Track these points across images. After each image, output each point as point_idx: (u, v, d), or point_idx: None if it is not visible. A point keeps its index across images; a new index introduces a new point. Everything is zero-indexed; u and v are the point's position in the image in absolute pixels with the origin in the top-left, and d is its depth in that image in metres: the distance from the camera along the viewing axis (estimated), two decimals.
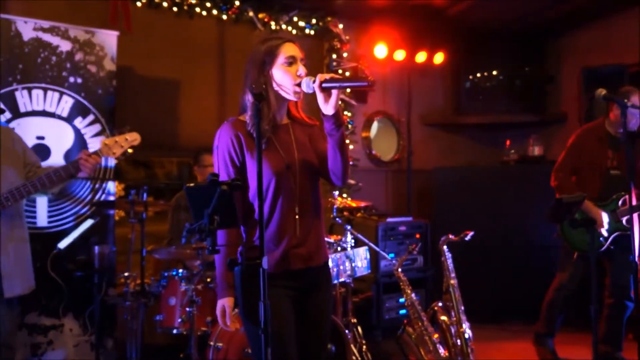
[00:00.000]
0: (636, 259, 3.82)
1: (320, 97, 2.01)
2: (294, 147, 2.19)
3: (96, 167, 2.95)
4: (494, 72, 6.15)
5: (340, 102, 5.44)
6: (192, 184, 1.81)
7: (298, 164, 2.16)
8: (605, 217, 3.83)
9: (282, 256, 2.12)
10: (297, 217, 2.14)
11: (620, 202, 3.85)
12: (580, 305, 4.67)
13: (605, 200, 3.89)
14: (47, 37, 3.87)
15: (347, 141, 5.47)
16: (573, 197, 3.27)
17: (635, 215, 3.77)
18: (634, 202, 3.77)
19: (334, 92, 1.99)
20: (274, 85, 2.14)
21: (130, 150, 3.04)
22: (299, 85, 2.08)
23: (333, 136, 2.09)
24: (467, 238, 3.56)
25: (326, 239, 3.74)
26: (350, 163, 5.47)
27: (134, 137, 3.01)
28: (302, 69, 2.12)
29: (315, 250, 2.20)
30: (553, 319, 4.19)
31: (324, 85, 1.98)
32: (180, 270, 3.58)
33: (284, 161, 2.13)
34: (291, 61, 2.12)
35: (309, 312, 2.21)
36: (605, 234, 3.84)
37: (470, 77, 6.20)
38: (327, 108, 2.02)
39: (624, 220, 3.79)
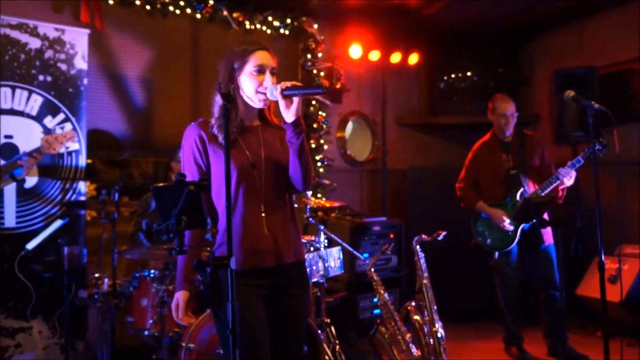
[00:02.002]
0: (546, 245, 4.10)
1: (282, 104, 2.03)
2: (261, 146, 2.18)
3: (33, 165, 3.13)
4: (468, 73, 6.21)
5: (314, 102, 5.50)
6: (159, 184, 1.79)
7: (264, 162, 2.16)
8: (500, 213, 4.10)
9: (249, 254, 2.10)
10: (263, 214, 2.14)
11: (518, 196, 4.10)
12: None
13: (504, 199, 4.18)
14: (15, 34, 3.80)
15: (322, 140, 5.52)
16: (542, 198, 3.33)
17: None
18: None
19: (295, 99, 2.02)
20: (241, 91, 2.15)
21: (67, 146, 3.42)
22: (264, 93, 2.10)
23: (293, 144, 2.11)
24: (440, 238, 3.58)
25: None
26: (325, 163, 5.54)
27: (71, 135, 3.23)
28: (268, 80, 2.12)
29: (284, 248, 2.18)
30: (508, 323, 4.32)
31: (284, 92, 2.01)
32: (152, 271, 3.54)
33: (248, 159, 2.14)
34: (259, 70, 2.13)
35: (283, 312, 2.19)
36: (510, 227, 4.07)
37: (445, 77, 6.25)
38: (288, 115, 2.05)
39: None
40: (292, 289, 2.22)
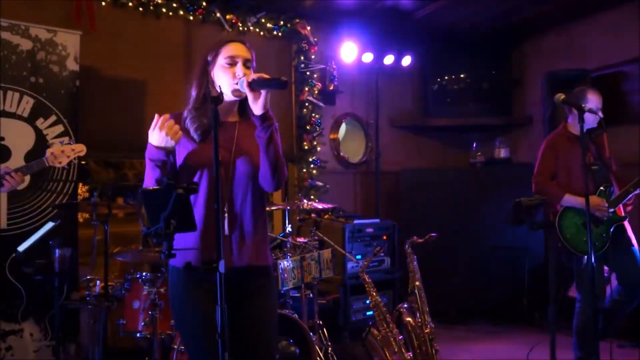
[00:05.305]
0: (635, 247, 3.69)
1: (250, 96, 2.02)
2: (233, 143, 2.15)
3: (18, 185, 2.98)
4: (462, 75, 6.23)
5: (307, 104, 5.50)
6: (148, 188, 1.79)
7: (233, 160, 2.12)
8: (598, 199, 3.71)
9: (204, 252, 2.06)
10: (226, 215, 2.09)
11: (608, 193, 3.77)
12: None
13: (594, 194, 3.78)
14: (6, 36, 3.78)
15: (315, 142, 5.52)
16: (532, 200, 3.33)
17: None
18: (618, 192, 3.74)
19: (263, 92, 2.00)
20: (216, 85, 2.13)
21: (74, 160, 3.20)
22: (237, 84, 2.08)
23: (261, 138, 2.07)
24: (432, 240, 3.58)
25: (292, 240, 3.73)
26: (318, 164, 5.54)
27: (80, 148, 3.12)
28: (240, 70, 2.10)
29: (243, 251, 2.11)
30: (588, 340, 3.69)
31: (251, 84, 1.99)
32: (144, 273, 3.54)
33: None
34: (230, 62, 2.11)
35: (246, 317, 2.11)
36: (610, 213, 3.67)
37: (438, 79, 6.26)
38: (256, 108, 2.03)
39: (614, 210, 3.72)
40: (253, 294, 2.14)
